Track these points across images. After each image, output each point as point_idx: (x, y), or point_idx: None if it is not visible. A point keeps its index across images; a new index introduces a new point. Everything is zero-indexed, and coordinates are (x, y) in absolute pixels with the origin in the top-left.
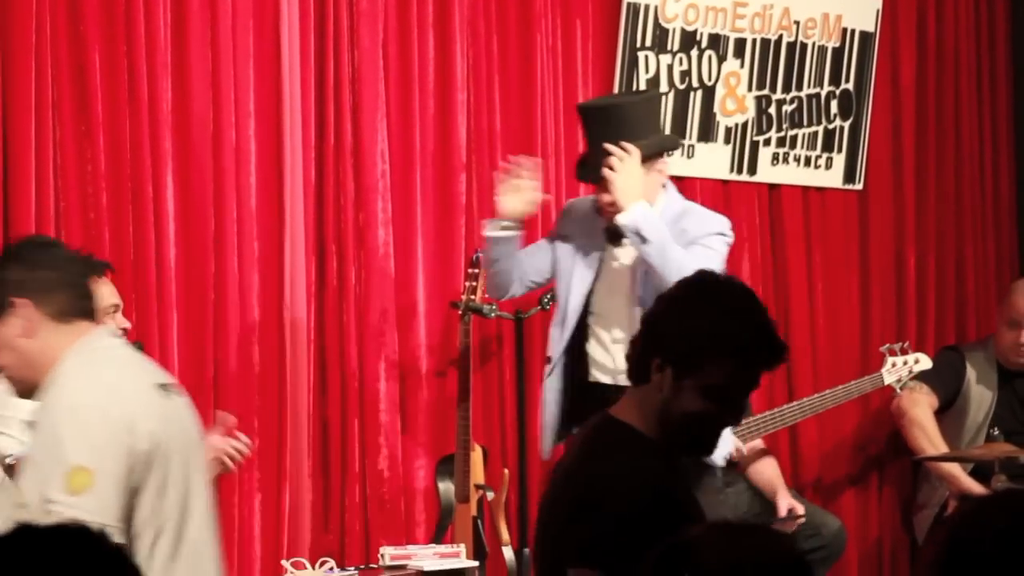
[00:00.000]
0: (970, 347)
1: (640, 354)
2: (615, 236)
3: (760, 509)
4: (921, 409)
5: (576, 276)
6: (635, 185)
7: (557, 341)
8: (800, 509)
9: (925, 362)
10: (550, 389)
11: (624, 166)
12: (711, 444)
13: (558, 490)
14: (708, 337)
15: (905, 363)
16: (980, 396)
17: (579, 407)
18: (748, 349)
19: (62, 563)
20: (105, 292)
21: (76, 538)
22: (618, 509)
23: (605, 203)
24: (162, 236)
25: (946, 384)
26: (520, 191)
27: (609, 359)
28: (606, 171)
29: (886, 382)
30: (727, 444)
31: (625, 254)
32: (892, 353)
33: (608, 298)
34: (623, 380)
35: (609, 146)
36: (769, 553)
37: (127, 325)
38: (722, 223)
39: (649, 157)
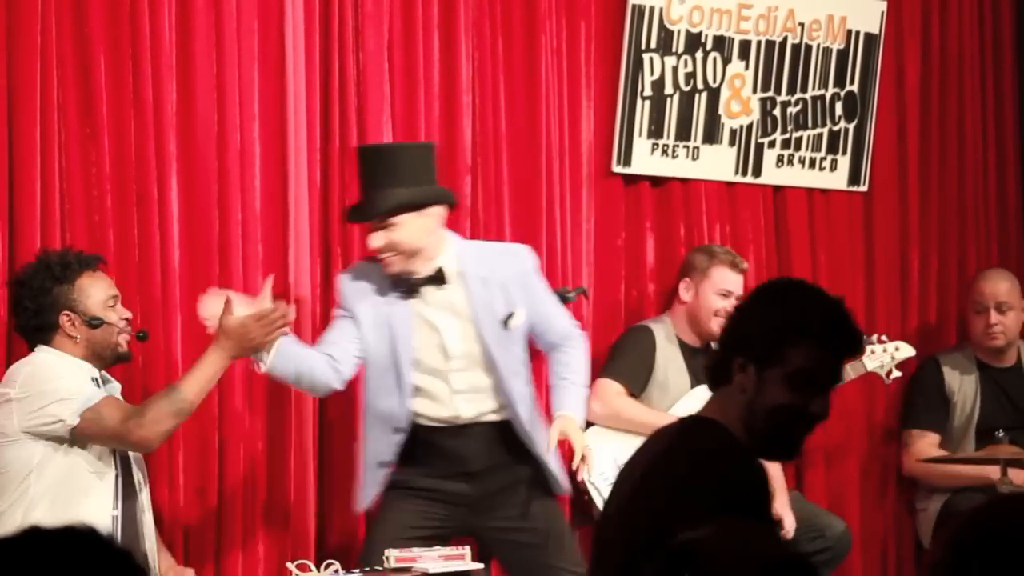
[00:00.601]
0: (946, 351)
1: (720, 358)
2: (418, 285)
3: None
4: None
5: (399, 339)
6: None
7: (399, 407)
8: (788, 524)
9: (906, 350)
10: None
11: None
12: (798, 443)
13: (645, 486)
14: (787, 324)
15: (885, 350)
16: (963, 396)
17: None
18: (827, 332)
19: (70, 564)
20: (103, 285)
21: (84, 540)
22: (721, 489)
23: (386, 259)
24: (167, 238)
25: (936, 410)
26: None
27: (442, 409)
28: None
29: (868, 368)
30: None
31: (435, 300)
32: (869, 342)
33: (434, 350)
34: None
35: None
36: (774, 554)
37: (128, 315)
38: (526, 254)
39: (420, 206)
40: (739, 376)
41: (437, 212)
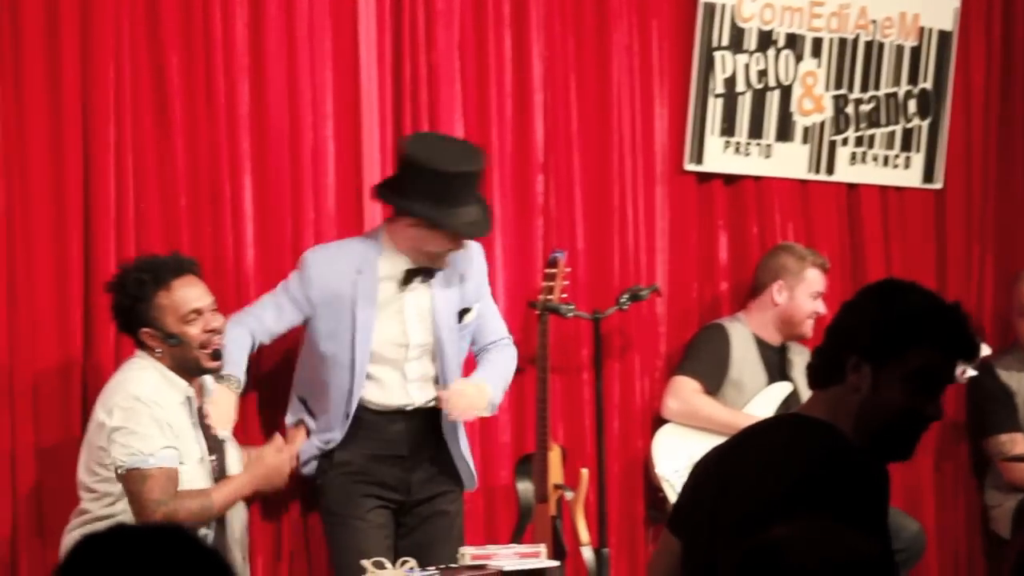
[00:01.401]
0: (999, 354)
1: (830, 356)
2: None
3: None
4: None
5: (360, 327)
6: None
7: (352, 392)
8: None
9: (982, 348)
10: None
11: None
12: (912, 445)
13: (760, 488)
14: (909, 324)
15: None
16: (1018, 386)
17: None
18: (948, 335)
19: (159, 562)
20: (184, 298)
21: (172, 538)
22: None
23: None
24: (240, 238)
25: (1008, 407)
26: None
27: (394, 397)
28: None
29: None
30: None
31: (411, 289)
32: None
33: (396, 337)
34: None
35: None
36: (857, 553)
37: (215, 325)
38: (482, 253)
39: None
40: (853, 375)
41: None
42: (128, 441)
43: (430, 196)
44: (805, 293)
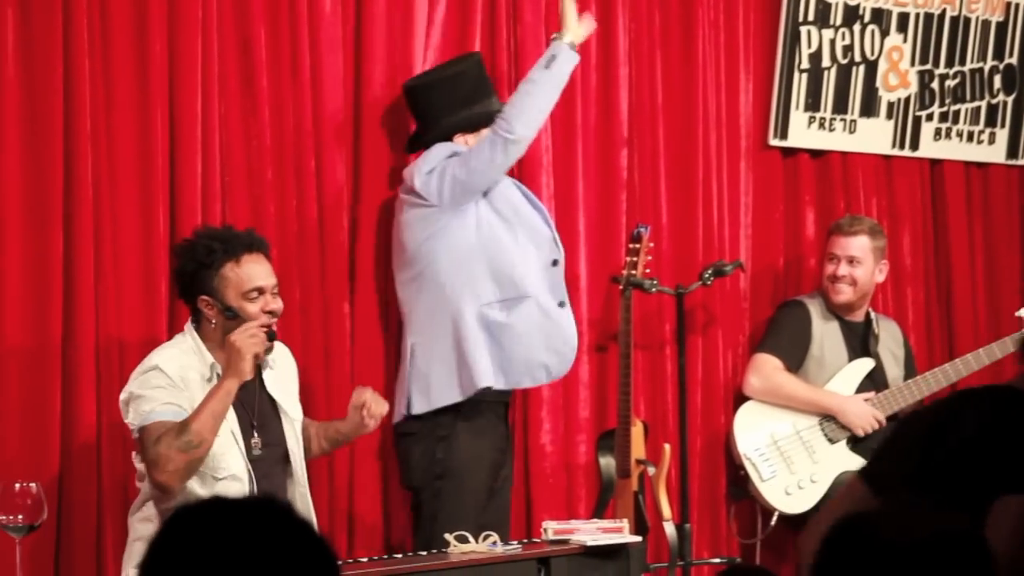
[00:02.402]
0: None
1: None
2: None
3: None
4: None
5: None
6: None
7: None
8: None
9: None
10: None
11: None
12: None
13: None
14: None
15: None
16: None
17: None
18: None
19: (252, 534)
20: (250, 274)
21: (265, 510)
22: None
23: None
24: (325, 211)
25: None
26: None
27: None
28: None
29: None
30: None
31: None
32: None
33: None
34: None
35: None
36: (949, 533)
37: (273, 308)
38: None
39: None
40: None
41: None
42: (138, 405)
43: (459, 105)
44: (824, 258)
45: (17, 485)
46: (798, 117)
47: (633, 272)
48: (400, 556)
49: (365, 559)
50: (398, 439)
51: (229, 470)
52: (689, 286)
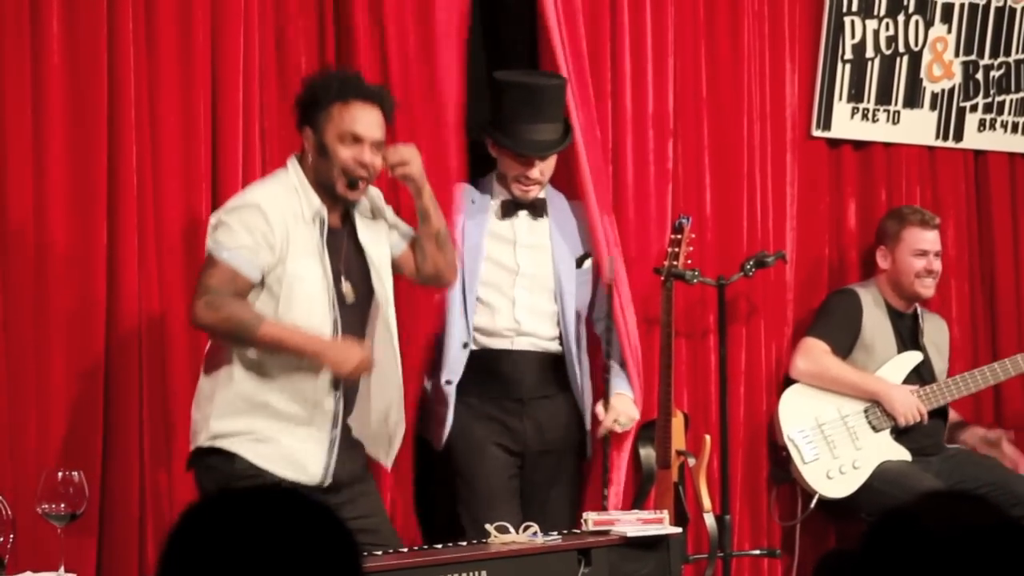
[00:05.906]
0: None
1: None
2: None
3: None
4: None
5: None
6: None
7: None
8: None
9: None
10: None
11: None
12: None
13: None
14: None
15: None
16: None
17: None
18: None
19: (269, 523)
20: (355, 119)
21: (282, 499)
22: None
23: (533, 187)
24: None
25: None
26: None
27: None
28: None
29: None
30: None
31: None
32: None
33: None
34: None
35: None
36: (993, 521)
37: (368, 161)
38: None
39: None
40: None
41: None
42: (217, 234)
43: (494, 116)
44: (907, 253)
45: (60, 474)
46: (841, 108)
47: (675, 263)
48: (440, 547)
49: (406, 549)
50: None
51: (313, 317)
52: (731, 277)
